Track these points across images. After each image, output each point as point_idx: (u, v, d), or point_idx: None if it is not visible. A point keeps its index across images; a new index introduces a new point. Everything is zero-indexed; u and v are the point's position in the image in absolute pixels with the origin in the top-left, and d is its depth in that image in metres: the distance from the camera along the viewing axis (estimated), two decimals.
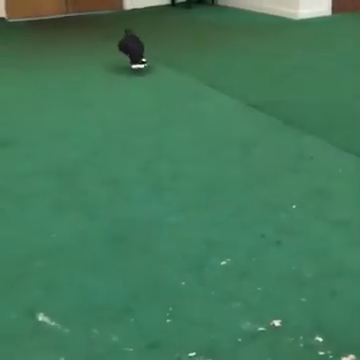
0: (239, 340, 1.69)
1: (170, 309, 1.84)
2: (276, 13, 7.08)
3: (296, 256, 2.09)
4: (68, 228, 2.40)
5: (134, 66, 4.63)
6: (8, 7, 8.00)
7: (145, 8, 8.35)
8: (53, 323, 1.80)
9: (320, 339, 1.69)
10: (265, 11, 7.26)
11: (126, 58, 4.75)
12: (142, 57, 4.64)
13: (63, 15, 8.15)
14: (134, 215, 2.48)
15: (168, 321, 1.79)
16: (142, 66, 4.62)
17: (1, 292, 1.99)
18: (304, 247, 2.15)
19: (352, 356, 1.62)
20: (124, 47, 4.74)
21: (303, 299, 1.85)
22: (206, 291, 1.93)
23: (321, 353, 1.64)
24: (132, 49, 4.71)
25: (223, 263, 2.07)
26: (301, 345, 1.67)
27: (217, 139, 3.30)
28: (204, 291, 1.93)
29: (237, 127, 3.50)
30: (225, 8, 8.10)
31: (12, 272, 2.11)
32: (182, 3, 8.43)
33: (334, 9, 7.01)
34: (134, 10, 8.36)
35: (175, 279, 2.00)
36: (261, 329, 1.74)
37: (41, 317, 1.83)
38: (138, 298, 1.92)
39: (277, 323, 1.76)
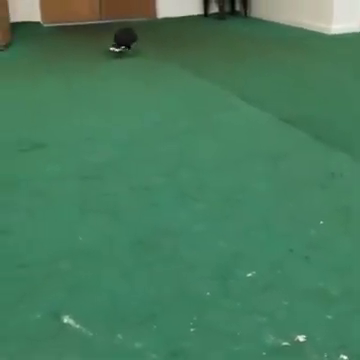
0: (263, 354, 1.68)
1: (194, 318, 1.83)
2: (309, 27, 7.07)
3: (323, 272, 2.07)
4: (94, 231, 2.42)
5: (110, 48, 5.64)
6: (43, 12, 8.12)
7: (178, 17, 8.41)
8: (78, 326, 1.81)
9: (345, 357, 1.66)
10: (298, 25, 7.26)
11: (156, 65, 4.86)
12: (122, 45, 5.65)
13: (97, 22, 8.25)
14: (160, 222, 2.49)
15: (192, 330, 1.79)
16: (116, 50, 5.62)
17: (27, 292, 2.01)
18: (331, 264, 2.13)
19: None
20: (114, 36, 5.74)
21: (329, 316, 1.83)
22: (231, 302, 1.92)
23: None
24: (117, 36, 5.73)
25: (249, 275, 2.06)
26: None
27: (245, 151, 3.29)
28: (229, 302, 1.92)
29: (266, 140, 3.49)
30: (258, 20, 8.11)
31: (38, 273, 2.12)
32: (215, 14, 8.46)
33: None
34: (167, 19, 8.42)
35: (200, 288, 1.99)
36: (285, 344, 1.72)
37: (66, 319, 1.84)
38: (162, 305, 1.92)
39: (301, 339, 1.74)
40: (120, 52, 5.64)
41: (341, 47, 6.28)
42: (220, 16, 8.28)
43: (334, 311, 1.85)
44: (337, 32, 6.80)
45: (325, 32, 6.86)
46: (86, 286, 2.03)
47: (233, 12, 8.71)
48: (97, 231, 2.42)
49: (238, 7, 8.72)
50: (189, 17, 8.46)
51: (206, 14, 8.62)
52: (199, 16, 8.60)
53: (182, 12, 8.45)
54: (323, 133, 3.52)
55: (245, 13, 8.47)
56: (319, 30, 6.93)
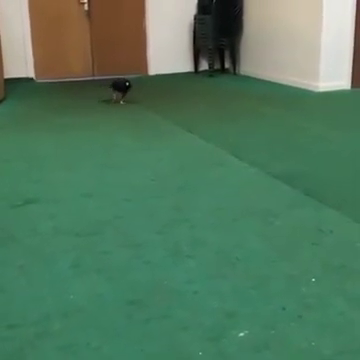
0: None
1: None
2: (297, 85, 7.26)
3: (316, 331, 2.07)
4: (87, 290, 2.41)
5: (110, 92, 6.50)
6: (37, 68, 8.29)
7: (168, 74, 8.61)
8: None
9: None
10: (286, 82, 7.45)
11: (153, 123, 5.13)
12: (118, 90, 6.51)
13: (89, 78, 8.42)
14: (153, 280, 2.49)
15: None
16: (114, 94, 6.51)
17: (15, 354, 1.98)
18: (324, 323, 2.13)
19: None
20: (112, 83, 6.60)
21: None
22: None
23: None
24: (114, 83, 6.60)
25: (241, 335, 2.05)
26: None
27: (237, 208, 3.33)
28: None
29: (257, 196, 3.53)
30: (247, 78, 8.32)
31: (28, 333, 2.10)
32: (205, 71, 8.68)
33: (353, 83, 7.18)
34: (158, 75, 8.62)
35: (192, 348, 1.98)
36: None
37: None
38: None
39: None
40: (115, 98, 6.45)
41: (329, 104, 6.44)
42: (210, 73, 8.49)
43: None
44: (325, 89, 6.99)
45: (313, 89, 7.04)
46: (77, 346, 2.01)
47: (223, 69, 8.95)
48: (89, 289, 2.41)
49: (227, 65, 8.96)
50: (180, 74, 8.67)
51: (196, 71, 8.85)
52: (190, 73, 8.81)
53: (173, 69, 8.67)
54: (312, 190, 3.58)
55: (234, 70, 8.69)
56: (307, 87, 7.12)
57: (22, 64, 8.10)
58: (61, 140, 4.97)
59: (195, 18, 8.66)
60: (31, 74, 8.23)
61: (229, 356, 1.94)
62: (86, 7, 8.40)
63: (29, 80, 8.13)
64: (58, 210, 3.32)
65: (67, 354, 1.97)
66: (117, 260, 2.68)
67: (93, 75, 8.49)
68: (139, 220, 3.16)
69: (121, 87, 6.52)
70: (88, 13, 8.44)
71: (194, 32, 8.69)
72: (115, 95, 6.51)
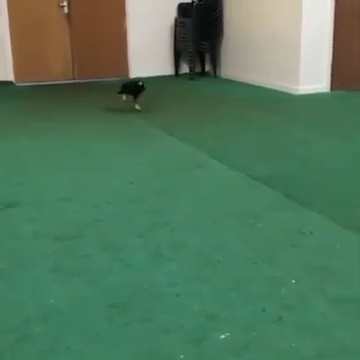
0: None
1: None
2: (277, 88, 7.31)
3: (296, 333, 2.08)
4: (67, 293, 2.39)
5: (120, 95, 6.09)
6: (16, 72, 8.23)
7: (149, 77, 8.60)
8: None
9: None
10: (266, 85, 7.49)
11: (133, 126, 5.19)
12: (126, 92, 6.06)
13: (70, 81, 8.38)
14: (134, 283, 2.48)
15: None
16: (123, 97, 6.05)
17: None
18: (304, 324, 2.14)
19: None
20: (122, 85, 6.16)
21: None
22: None
23: None
24: (123, 85, 6.16)
25: (222, 337, 2.06)
26: None
27: (218, 210, 3.34)
28: None
29: (238, 199, 3.54)
30: (228, 81, 8.35)
31: (8, 337, 2.09)
32: (185, 74, 8.70)
33: (332, 86, 7.25)
34: (139, 79, 8.60)
35: (174, 351, 1.98)
36: None
37: None
38: None
39: None
40: (126, 101, 6.04)
41: (309, 107, 6.50)
42: (190, 76, 8.52)
43: None
44: (305, 92, 7.05)
45: (293, 92, 7.09)
46: (58, 350, 2.00)
47: (203, 72, 8.97)
48: (70, 293, 2.40)
49: (208, 68, 8.98)
50: (161, 77, 8.67)
51: (177, 74, 8.86)
52: (170, 76, 8.83)
53: (154, 72, 8.67)
54: (292, 191, 3.60)
55: (215, 74, 8.72)
56: (287, 90, 7.17)
57: (1, 67, 8.04)
58: (41, 144, 4.94)
59: (175, 21, 8.68)
60: (10, 77, 8.18)
61: (210, 358, 1.94)
62: (66, 10, 8.37)
63: (8, 84, 8.07)
64: (38, 214, 3.30)
65: (47, 358, 1.96)
66: (97, 263, 2.67)
67: (73, 78, 8.46)
68: (119, 223, 3.16)
69: (132, 89, 6.04)
70: (68, 16, 8.41)
71: (175, 35, 8.71)
72: (125, 97, 6.07)
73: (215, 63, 8.71)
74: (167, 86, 8.09)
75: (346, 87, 7.18)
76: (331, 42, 7.16)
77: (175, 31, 8.69)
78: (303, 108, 6.48)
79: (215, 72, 8.72)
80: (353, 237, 2.91)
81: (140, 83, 6.00)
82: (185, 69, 8.80)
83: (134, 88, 6.00)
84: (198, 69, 8.88)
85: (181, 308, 2.27)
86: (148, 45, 8.67)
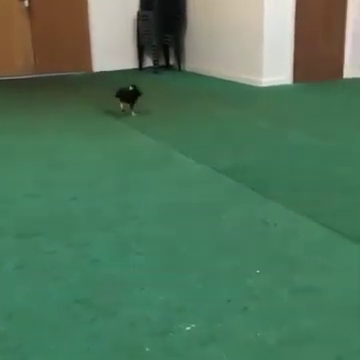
0: None
1: None
2: (241, 80, 7.35)
3: (261, 322, 2.11)
4: (32, 291, 2.37)
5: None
6: None
7: (113, 71, 8.56)
8: None
9: None
10: (230, 78, 7.53)
11: (98, 121, 5.25)
12: (123, 101, 5.55)
13: (31, 75, 8.26)
14: (100, 278, 2.47)
15: None
16: (121, 106, 5.56)
17: None
18: (269, 313, 2.17)
19: None
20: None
21: None
22: (170, 357, 1.92)
23: None
24: (118, 92, 5.59)
25: (188, 328, 2.07)
26: None
27: (184, 203, 3.35)
28: (168, 357, 1.92)
29: (203, 192, 3.56)
30: (192, 74, 8.36)
31: None
32: (150, 67, 8.67)
33: (295, 78, 7.33)
34: (102, 72, 8.55)
35: (139, 344, 1.99)
36: None
37: None
38: None
39: None
40: (124, 110, 5.55)
41: (272, 99, 6.55)
42: (155, 70, 8.49)
43: None
44: (268, 84, 7.10)
45: (256, 85, 7.14)
46: (22, 347, 1.99)
47: (167, 66, 8.96)
48: (34, 290, 2.38)
49: (172, 61, 8.97)
50: (124, 71, 8.63)
51: (141, 68, 8.82)
52: (134, 70, 8.79)
53: (117, 66, 8.62)
54: (258, 183, 3.63)
55: (179, 67, 8.72)
56: (250, 83, 7.22)
57: None
58: (3, 141, 4.87)
59: (138, 14, 8.63)
60: None
61: (176, 350, 1.96)
62: (26, 3, 8.24)
63: None
64: (2, 211, 3.26)
65: (12, 356, 1.94)
66: (63, 260, 2.66)
67: (35, 73, 8.34)
68: (85, 219, 3.14)
69: (126, 96, 5.54)
70: (28, 10, 8.28)
71: (137, 29, 8.67)
72: (122, 105, 5.57)
73: (179, 56, 8.70)
74: (131, 80, 8.01)
75: (308, 79, 7.27)
76: (293, 34, 7.23)
77: (138, 24, 8.64)
78: (267, 100, 6.54)
79: (179, 65, 8.71)
80: (317, 227, 2.96)
81: (132, 88, 5.48)
82: (149, 63, 8.77)
83: (130, 94, 5.51)
84: (162, 63, 8.86)
85: (147, 301, 2.27)
86: (111, 39, 8.61)
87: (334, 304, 2.23)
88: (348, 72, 7.66)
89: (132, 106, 5.54)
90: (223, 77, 7.69)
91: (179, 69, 8.71)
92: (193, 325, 2.09)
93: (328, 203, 3.29)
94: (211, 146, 4.58)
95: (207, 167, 4.00)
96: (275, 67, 7.21)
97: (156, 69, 8.50)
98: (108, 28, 8.57)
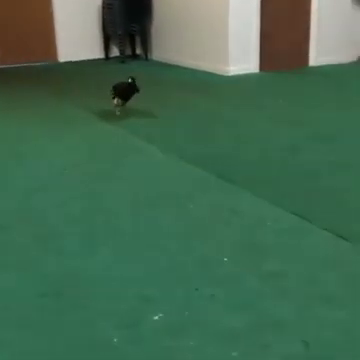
0: None
1: None
2: (208, 69, 7.35)
3: (228, 309, 2.12)
4: None
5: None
6: None
7: (79, 61, 8.47)
8: None
9: None
10: (197, 67, 7.52)
11: (64, 112, 5.14)
12: (117, 96, 5.01)
13: None
14: (67, 270, 2.45)
15: None
16: (114, 102, 5.03)
17: None
18: (236, 300, 2.18)
19: None
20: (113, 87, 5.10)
21: (234, 353, 1.87)
22: (138, 347, 1.91)
23: None
24: (115, 87, 5.06)
25: (156, 318, 2.07)
26: None
27: (151, 193, 3.34)
28: (136, 347, 1.91)
29: (171, 181, 3.55)
30: (159, 63, 8.32)
31: None
32: (116, 57, 8.60)
33: (261, 66, 7.37)
34: (68, 63, 8.46)
35: (108, 336, 1.98)
36: None
37: None
38: (68, 357, 1.88)
39: None
40: (117, 105, 5.07)
41: (239, 88, 6.57)
42: (121, 59, 8.43)
43: (239, 348, 1.89)
44: (235, 73, 7.12)
45: (223, 74, 7.15)
46: None
47: (134, 55, 8.90)
48: (1, 284, 2.34)
49: (139, 50, 8.92)
50: (91, 61, 8.55)
51: (107, 57, 8.75)
52: (101, 60, 8.71)
53: (84, 56, 8.54)
54: (225, 172, 3.64)
55: (146, 56, 8.67)
56: (218, 72, 7.22)
57: None
58: None
59: (103, 3, 8.53)
60: None
61: (144, 340, 1.95)
62: None
63: None
64: None
65: None
66: (29, 253, 2.62)
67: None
68: (52, 211, 3.10)
69: (122, 91, 5.06)
70: None
71: (103, 18, 8.58)
72: (116, 101, 5.05)
73: (146, 46, 8.66)
74: (98, 70, 7.98)
75: (275, 68, 7.31)
76: (259, 24, 7.24)
77: (103, 14, 8.55)
78: (234, 89, 6.55)
79: (146, 55, 8.67)
80: (283, 214, 2.99)
81: (130, 80, 5.06)
82: (116, 52, 8.70)
83: (126, 90, 5.08)
84: (129, 52, 8.80)
85: (115, 292, 2.27)
86: (76, 28, 8.51)
87: (301, 290, 2.25)
88: (313, 60, 7.72)
89: (124, 103, 5.11)
90: (190, 66, 7.67)
91: (146, 58, 8.67)
92: (161, 314, 2.09)
93: (296, 190, 3.32)
94: (178, 135, 4.58)
95: (174, 156, 3.99)
96: (242, 56, 7.23)
97: (123, 59, 8.44)
98: (73, 18, 8.46)
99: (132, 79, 5.06)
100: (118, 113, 5.12)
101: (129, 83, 5.06)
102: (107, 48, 8.74)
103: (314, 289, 2.26)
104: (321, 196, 3.22)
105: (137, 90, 5.10)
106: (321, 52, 7.66)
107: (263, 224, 2.89)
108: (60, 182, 3.56)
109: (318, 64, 7.66)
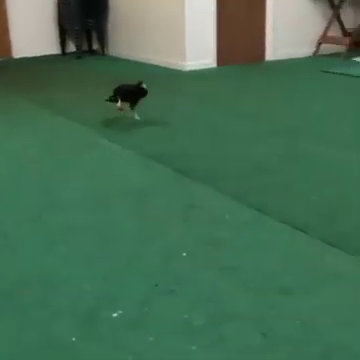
0: None
1: None
2: (165, 65, 7.33)
3: (188, 304, 2.12)
4: None
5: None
6: None
7: (34, 57, 8.34)
8: None
9: None
10: (155, 62, 7.49)
11: (19, 108, 5.04)
12: (120, 99, 4.61)
13: None
14: (23, 270, 2.41)
15: None
16: (118, 105, 4.61)
17: None
18: (196, 295, 2.18)
19: None
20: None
21: (193, 347, 1.87)
22: (96, 345, 1.90)
23: None
24: (117, 90, 4.73)
25: (115, 315, 2.06)
26: None
27: (110, 189, 3.31)
28: (95, 346, 1.90)
29: (130, 177, 3.53)
30: (116, 59, 8.26)
31: None
32: (73, 53, 8.50)
33: (219, 62, 7.39)
34: (23, 58, 8.31)
35: (66, 334, 1.95)
36: None
37: None
38: (27, 358, 1.85)
39: None
40: (120, 109, 4.63)
41: (196, 83, 6.58)
42: (78, 55, 8.33)
43: (198, 341, 1.90)
44: (192, 68, 7.12)
45: (181, 69, 7.15)
46: None
47: (91, 51, 8.81)
48: None
49: (95, 46, 8.83)
50: (46, 56, 8.42)
51: (64, 53, 8.63)
52: (57, 55, 8.59)
53: (39, 51, 8.40)
54: (183, 167, 3.64)
55: (103, 52, 8.59)
56: (175, 67, 7.21)
57: None
58: None
59: None
60: None
61: (102, 338, 1.94)
62: None
63: None
64: None
65: None
66: None
67: None
68: (6, 208, 3.04)
69: (128, 94, 4.71)
70: None
71: (58, 12, 8.45)
72: (119, 104, 4.60)
73: (103, 41, 8.58)
74: (54, 66, 7.86)
75: (232, 62, 7.35)
76: (216, 18, 7.26)
77: (59, 8, 8.43)
78: (191, 84, 6.55)
79: (103, 50, 8.59)
80: (243, 208, 3.00)
81: (142, 85, 4.69)
82: (72, 48, 8.59)
83: (131, 93, 4.72)
84: (85, 47, 8.70)
85: (73, 290, 2.24)
86: (31, 23, 8.36)
87: (259, 283, 2.27)
88: (269, 54, 7.79)
89: (133, 106, 4.72)
90: (147, 61, 7.64)
91: (103, 54, 8.59)
92: (120, 311, 2.07)
93: (254, 184, 3.34)
94: (137, 131, 4.55)
95: (134, 152, 3.97)
96: (199, 51, 7.23)
97: (79, 54, 8.34)
98: (27, 12, 8.31)
99: (139, 83, 4.72)
100: (137, 117, 4.71)
101: (137, 85, 4.71)
102: (63, 43, 8.62)
103: (272, 281, 2.28)
104: (278, 189, 3.25)
105: (145, 93, 4.72)
106: (278, 46, 7.73)
107: (222, 218, 2.90)
108: (14, 179, 3.49)
109: (275, 58, 7.74)
